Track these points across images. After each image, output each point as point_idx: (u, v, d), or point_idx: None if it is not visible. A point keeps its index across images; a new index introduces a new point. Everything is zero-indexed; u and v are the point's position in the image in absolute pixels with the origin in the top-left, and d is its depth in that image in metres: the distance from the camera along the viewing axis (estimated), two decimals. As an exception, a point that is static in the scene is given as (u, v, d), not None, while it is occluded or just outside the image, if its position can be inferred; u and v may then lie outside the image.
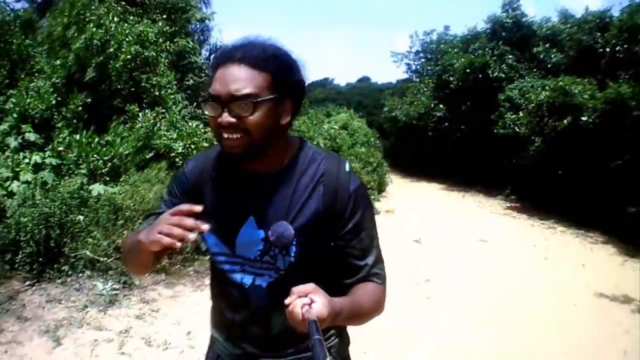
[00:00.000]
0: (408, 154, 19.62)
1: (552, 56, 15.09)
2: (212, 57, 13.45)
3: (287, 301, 1.30)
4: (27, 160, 6.53)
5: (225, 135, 1.46)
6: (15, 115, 7.39)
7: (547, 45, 15.72)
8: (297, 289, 1.31)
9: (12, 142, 7.00)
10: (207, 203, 1.60)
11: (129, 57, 8.41)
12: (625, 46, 12.14)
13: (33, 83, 7.81)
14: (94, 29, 8.26)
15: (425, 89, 20.03)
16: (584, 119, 10.97)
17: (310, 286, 1.33)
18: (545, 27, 16.64)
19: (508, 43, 16.90)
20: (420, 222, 10.92)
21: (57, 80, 8.07)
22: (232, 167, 1.63)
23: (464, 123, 17.06)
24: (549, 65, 15.19)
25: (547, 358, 4.94)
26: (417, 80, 22.69)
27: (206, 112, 1.50)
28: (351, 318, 1.52)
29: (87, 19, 8.67)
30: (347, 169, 1.64)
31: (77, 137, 7.02)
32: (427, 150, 18.84)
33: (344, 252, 1.61)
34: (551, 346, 5.18)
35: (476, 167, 16.53)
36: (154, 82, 8.92)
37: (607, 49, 12.89)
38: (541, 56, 15.50)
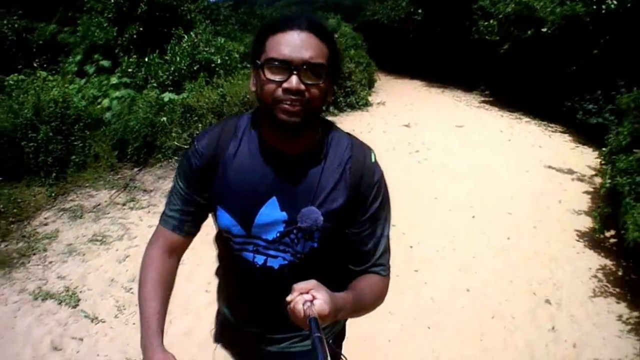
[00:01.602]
0: (390, 54, 20.17)
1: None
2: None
3: (288, 298, 1.30)
4: (105, 82, 8.40)
5: (287, 103, 1.41)
6: (83, 47, 9.20)
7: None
8: (299, 286, 1.31)
9: (90, 69, 8.87)
10: (223, 180, 1.61)
11: (169, -10, 10.01)
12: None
13: (95, 19, 9.55)
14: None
15: None
16: (544, 30, 12.34)
17: (311, 283, 1.32)
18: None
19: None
20: (407, 111, 12.80)
21: (110, 15, 9.77)
22: (261, 143, 1.59)
23: (441, 27, 17.96)
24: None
25: (500, 199, 7.23)
26: None
27: (266, 76, 1.43)
28: (356, 311, 1.54)
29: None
30: (373, 159, 1.63)
31: (146, 59, 8.89)
32: (408, 52, 19.57)
33: (356, 239, 1.62)
34: (505, 191, 7.52)
35: (453, 67, 17.36)
36: (185, 8, 10.56)
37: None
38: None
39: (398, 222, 5.83)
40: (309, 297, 1.27)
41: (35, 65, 9.02)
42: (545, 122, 12.39)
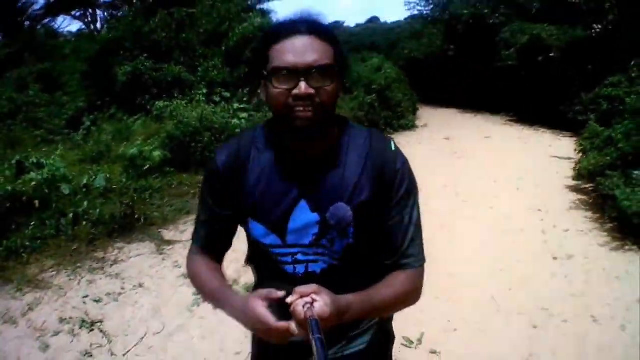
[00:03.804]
0: (427, 87, 22.14)
1: (534, 4, 18.58)
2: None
3: (289, 300, 1.32)
4: (230, 108, 11.68)
5: (300, 108, 1.42)
6: (204, 83, 12.64)
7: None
8: (299, 289, 1.33)
9: (216, 98, 12.23)
10: (250, 192, 1.62)
11: (266, 41, 13.48)
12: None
13: (211, 62, 13.02)
14: (246, 26, 13.32)
15: (438, 33, 23.46)
16: (551, 55, 15.56)
17: (313, 286, 1.34)
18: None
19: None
20: (446, 130, 15.93)
21: (221, 59, 13.24)
22: (281, 150, 1.60)
23: (470, 59, 20.55)
24: (533, 12, 18.46)
25: (515, 172, 10.29)
26: (428, 22, 25.78)
27: (274, 86, 1.44)
28: (367, 312, 1.54)
29: (234, 18, 13.79)
30: (393, 147, 1.62)
31: (258, 91, 12.25)
32: (442, 84, 22.15)
33: (385, 229, 1.61)
34: (519, 169, 10.57)
35: (483, 95, 20.05)
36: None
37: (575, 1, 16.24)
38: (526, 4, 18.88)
39: (448, 183, 9.19)
40: (309, 300, 1.30)
41: (175, 95, 12.39)
42: (558, 131, 15.23)
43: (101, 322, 4.77)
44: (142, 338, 4.54)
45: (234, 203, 1.65)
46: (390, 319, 1.92)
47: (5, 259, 5.89)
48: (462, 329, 4.69)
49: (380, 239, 1.63)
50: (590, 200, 8.39)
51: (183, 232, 6.96)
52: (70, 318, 4.82)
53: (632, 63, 10.55)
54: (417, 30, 26.91)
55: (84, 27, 29.45)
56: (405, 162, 1.63)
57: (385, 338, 1.90)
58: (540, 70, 16.20)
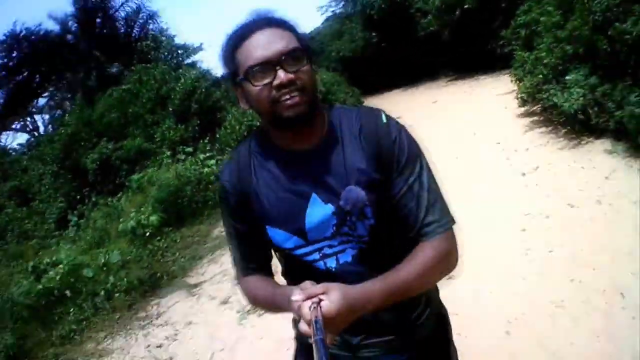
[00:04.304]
0: (363, 79, 22.07)
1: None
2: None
3: (293, 298, 1.31)
4: (196, 160, 12.25)
5: (286, 97, 1.42)
6: (166, 146, 13.34)
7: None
8: (308, 290, 1.32)
9: (181, 156, 12.65)
10: (260, 201, 1.60)
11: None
12: None
13: (165, 125, 13.75)
14: (183, 81, 14.15)
15: (356, 26, 24.11)
16: (467, 6, 16.34)
17: (321, 286, 1.32)
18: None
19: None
20: (395, 110, 16.25)
21: (171, 120, 14.01)
22: (278, 151, 1.59)
23: (393, 39, 21.43)
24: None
25: (468, 124, 11.09)
26: (344, 18, 26.45)
27: (254, 85, 1.44)
28: (393, 294, 1.45)
29: (170, 79, 14.60)
30: (384, 119, 1.59)
31: (217, 135, 12.95)
32: (376, 71, 22.64)
33: (398, 202, 1.55)
34: (469, 119, 11.44)
35: (417, 67, 20.89)
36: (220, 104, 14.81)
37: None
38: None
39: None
40: (316, 300, 1.28)
41: (145, 165, 13.12)
42: (496, 72, 15.90)
43: (171, 359, 5.45)
44: (211, 356, 5.24)
45: (250, 215, 1.64)
46: (440, 304, 1.90)
47: (61, 345, 6.58)
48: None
49: (398, 213, 1.57)
50: (540, 119, 9.25)
51: (204, 274, 7.64)
52: (143, 365, 5.49)
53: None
54: (336, 29, 27.44)
55: (29, 137, 29.93)
56: (400, 130, 1.60)
57: (442, 324, 1.88)
58: (460, 24, 17.08)
